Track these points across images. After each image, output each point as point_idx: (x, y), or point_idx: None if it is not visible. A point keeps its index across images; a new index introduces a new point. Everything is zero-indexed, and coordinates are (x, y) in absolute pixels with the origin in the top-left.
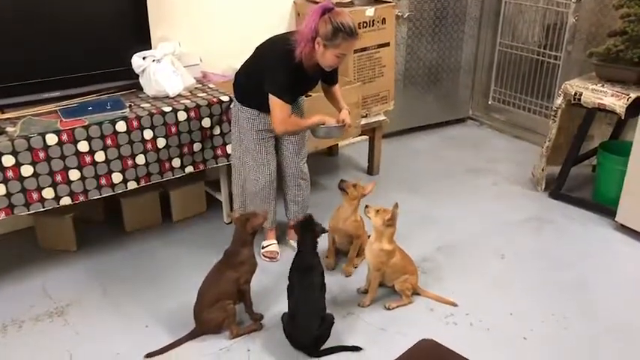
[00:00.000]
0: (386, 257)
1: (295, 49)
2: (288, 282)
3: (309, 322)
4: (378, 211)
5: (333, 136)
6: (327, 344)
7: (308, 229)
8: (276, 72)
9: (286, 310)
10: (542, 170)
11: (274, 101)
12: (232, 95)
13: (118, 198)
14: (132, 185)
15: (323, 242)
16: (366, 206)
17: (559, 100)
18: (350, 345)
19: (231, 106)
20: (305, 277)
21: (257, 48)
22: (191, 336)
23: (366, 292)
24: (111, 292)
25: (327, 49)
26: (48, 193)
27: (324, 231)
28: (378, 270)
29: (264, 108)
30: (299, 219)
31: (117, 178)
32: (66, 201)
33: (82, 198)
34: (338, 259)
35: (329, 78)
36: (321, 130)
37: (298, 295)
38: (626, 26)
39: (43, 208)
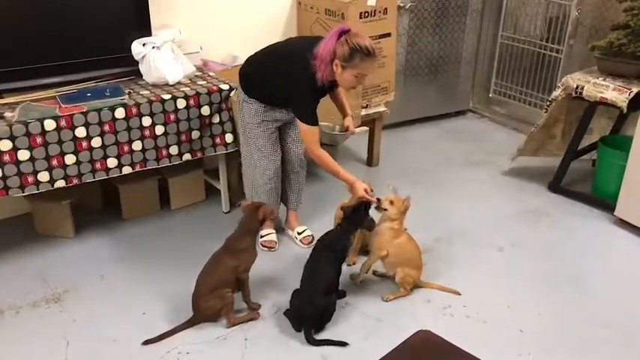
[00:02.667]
0: (390, 236)
1: (316, 72)
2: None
3: (313, 294)
4: (392, 202)
5: (337, 142)
6: (323, 335)
7: (357, 214)
8: (303, 100)
9: (287, 300)
10: (517, 151)
11: (305, 128)
12: (233, 84)
13: (116, 185)
14: (127, 170)
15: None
16: (378, 199)
17: (556, 92)
18: (337, 340)
19: (232, 94)
20: (323, 252)
21: (276, 50)
22: (188, 324)
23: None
24: (108, 279)
25: (345, 69)
26: (43, 176)
27: (370, 227)
28: (380, 248)
29: (269, 101)
30: (357, 202)
31: (112, 162)
32: (60, 184)
33: (75, 181)
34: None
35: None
36: (325, 137)
37: (310, 267)
38: (629, 20)
39: (38, 190)
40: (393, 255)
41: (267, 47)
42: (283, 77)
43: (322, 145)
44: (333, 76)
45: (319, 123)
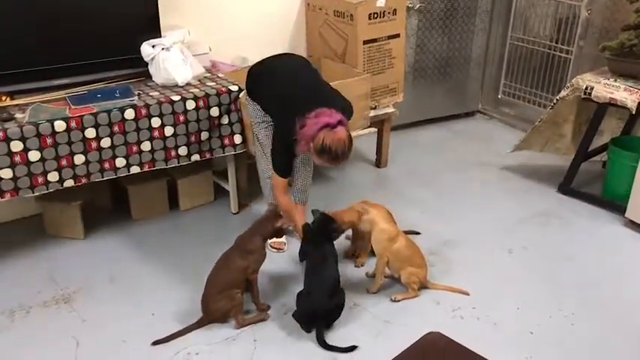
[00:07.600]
0: (387, 241)
1: (297, 143)
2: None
3: (326, 296)
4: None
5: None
6: (332, 335)
7: (326, 229)
8: (281, 153)
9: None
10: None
11: (276, 176)
12: (242, 85)
13: (125, 186)
14: (135, 170)
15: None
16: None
17: (564, 92)
18: (347, 347)
19: (241, 95)
20: (326, 252)
21: (274, 75)
22: (198, 325)
23: (374, 276)
24: (118, 279)
25: (314, 156)
26: (52, 176)
27: (342, 231)
28: (381, 256)
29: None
30: (319, 219)
31: (120, 162)
32: (69, 183)
33: (84, 180)
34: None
35: None
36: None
37: (318, 270)
38: None
39: (47, 190)
40: (393, 260)
41: (269, 64)
42: (274, 115)
43: None
44: (309, 151)
45: None
